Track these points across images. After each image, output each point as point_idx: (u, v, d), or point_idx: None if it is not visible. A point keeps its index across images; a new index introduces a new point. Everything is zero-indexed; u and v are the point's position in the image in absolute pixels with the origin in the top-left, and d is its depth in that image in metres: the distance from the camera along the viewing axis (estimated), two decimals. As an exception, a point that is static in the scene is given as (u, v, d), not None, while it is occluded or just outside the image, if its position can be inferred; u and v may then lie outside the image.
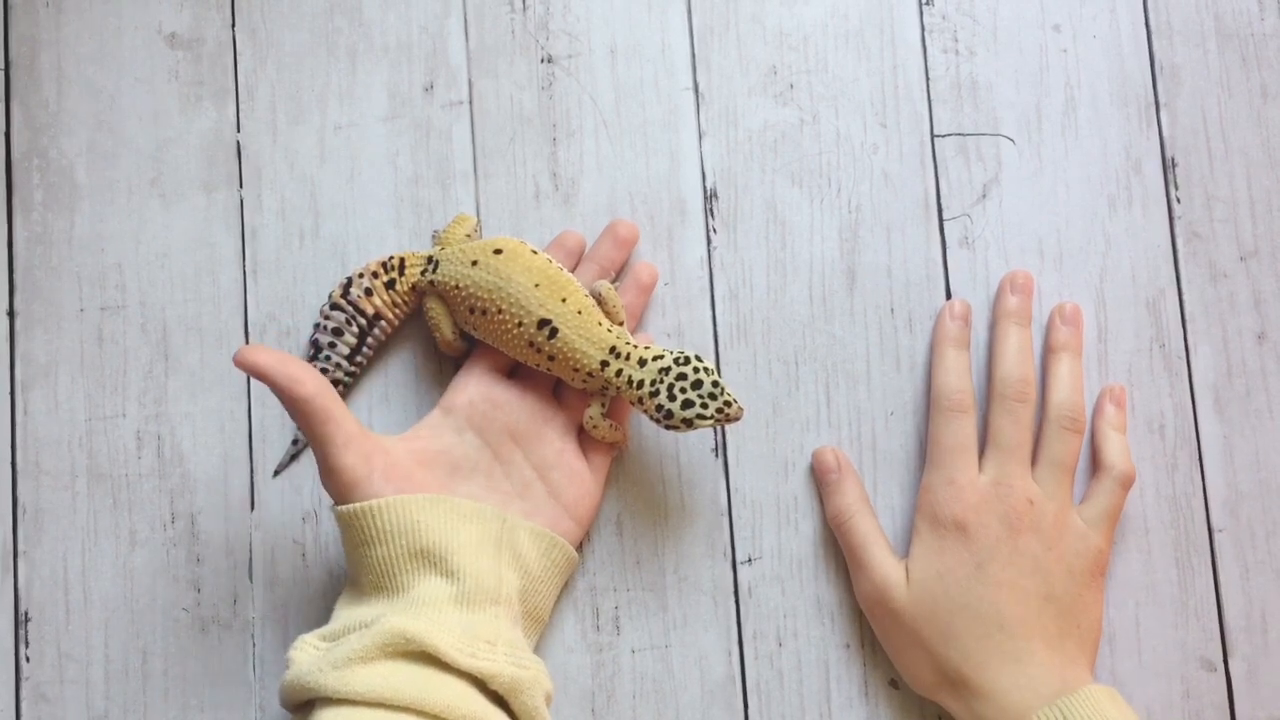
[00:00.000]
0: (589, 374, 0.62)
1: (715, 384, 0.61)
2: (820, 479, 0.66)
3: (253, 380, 0.67)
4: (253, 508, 0.67)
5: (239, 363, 0.58)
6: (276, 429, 0.67)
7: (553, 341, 0.62)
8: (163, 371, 0.68)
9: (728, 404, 0.61)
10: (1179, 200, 0.68)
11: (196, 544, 0.66)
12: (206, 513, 0.67)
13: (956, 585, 0.61)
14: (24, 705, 0.65)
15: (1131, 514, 0.66)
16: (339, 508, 0.59)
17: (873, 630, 0.64)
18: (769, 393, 0.67)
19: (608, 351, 0.62)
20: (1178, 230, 0.68)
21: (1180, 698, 0.64)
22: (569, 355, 0.62)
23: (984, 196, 0.68)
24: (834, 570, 0.65)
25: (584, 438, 0.65)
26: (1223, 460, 0.66)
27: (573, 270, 0.66)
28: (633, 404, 0.62)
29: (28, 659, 0.66)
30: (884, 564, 0.62)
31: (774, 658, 0.65)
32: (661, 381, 0.61)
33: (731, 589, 0.66)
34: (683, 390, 0.61)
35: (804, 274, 0.68)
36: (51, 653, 0.66)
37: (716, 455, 0.67)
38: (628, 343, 0.62)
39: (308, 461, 0.67)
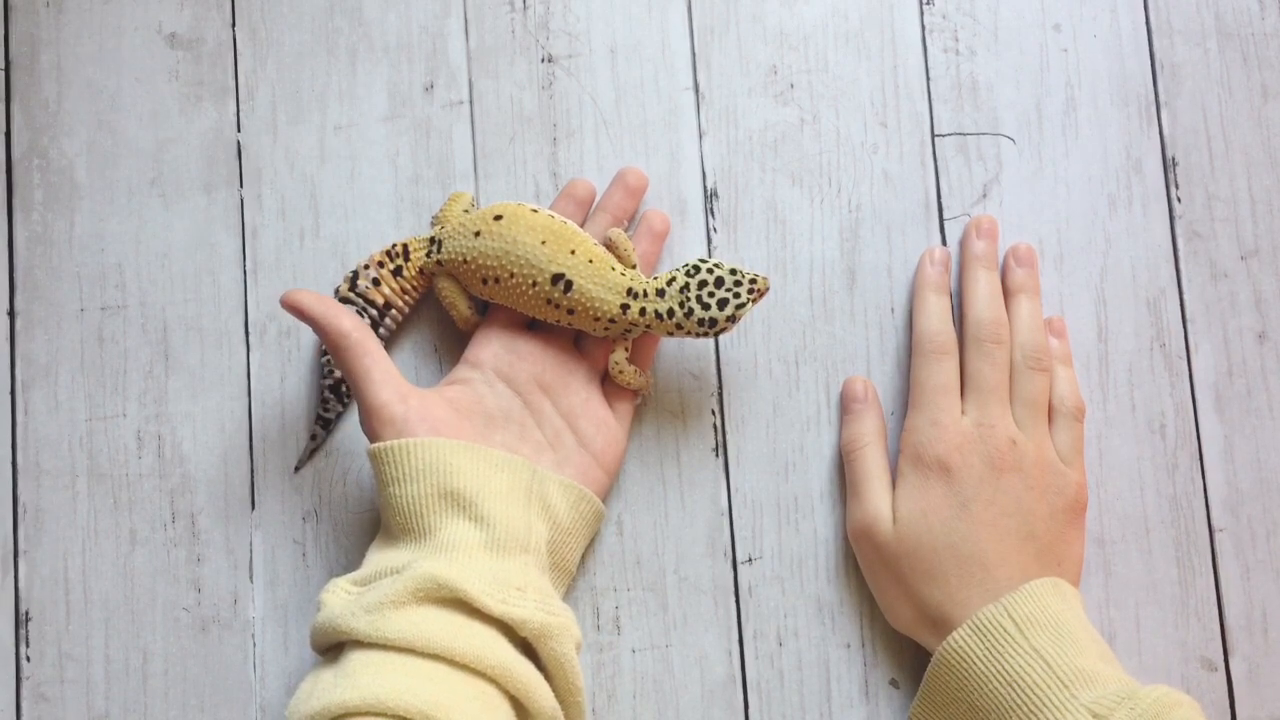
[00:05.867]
0: (610, 320, 0.63)
1: (731, 271, 0.62)
2: (844, 406, 0.66)
3: (253, 380, 0.67)
4: (253, 508, 0.67)
5: (285, 304, 0.61)
6: (276, 429, 0.67)
7: (570, 294, 0.62)
8: (163, 371, 0.68)
9: (753, 281, 0.62)
10: (1179, 200, 0.68)
11: (196, 544, 0.66)
12: (206, 513, 0.67)
13: (940, 524, 0.61)
14: (24, 705, 0.65)
15: (1131, 514, 0.66)
16: (372, 445, 0.60)
17: (875, 631, 0.65)
18: (769, 393, 0.67)
19: (625, 294, 0.62)
20: (1178, 230, 0.68)
21: (1181, 698, 0.64)
22: (588, 305, 0.62)
23: (984, 196, 0.68)
24: (834, 570, 0.65)
25: (606, 387, 0.65)
26: (1223, 460, 0.66)
27: (584, 220, 0.66)
28: (671, 334, 0.63)
29: (28, 659, 0.66)
30: (879, 499, 0.63)
31: (774, 658, 0.65)
32: (687, 299, 0.62)
33: (732, 589, 0.66)
34: (710, 294, 0.62)
35: (804, 274, 0.68)
36: (51, 653, 0.66)
37: (716, 455, 0.67)
38: (642, 281, 0.63)
39: (310, 461, 0.67)
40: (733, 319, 0.62)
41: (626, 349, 0.64)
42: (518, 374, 0.64)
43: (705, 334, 0.62)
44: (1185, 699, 0.56)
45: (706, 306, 0.62)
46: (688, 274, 0.62)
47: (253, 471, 0.67)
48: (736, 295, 0.62)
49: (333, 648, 0.58)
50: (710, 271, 0.62)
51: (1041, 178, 0.68)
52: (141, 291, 0.68)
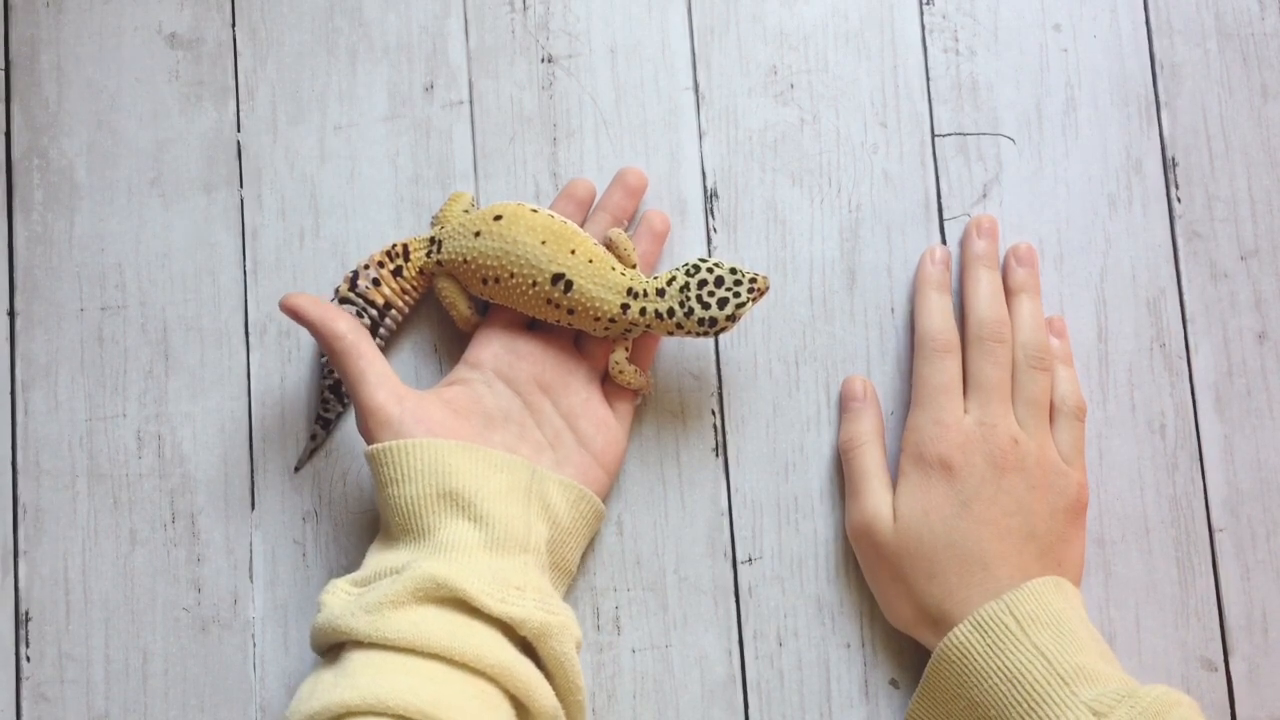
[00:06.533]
0: (611, 320, 0.63)
1: (731, 270, 0.62)
2: (843, 405, 0.66)
3: (253, 380, 0.67)
4: (253, 508, 0.67)
5: (283, 308, 0.62)
6: (276, 429, 0.67)
7: (569, 294, 0.62)
8: (163, 371, 0.68)
9: (753, 280, 0.62)
10: (1179, 200, 0.68)
11: (196, 544, 0.66)
12: (206, 513, 0.67)
13: (941, 523, 0.61)
14: (24, 705, 0.65)
15: (1131, 514, 0.66)
16: (370, 447, 0.60)
17: (875, 631, 0.65)
18: (769, 393, 0.67)
19: (625, 294, 0.62)
20: (1178, 230, 0.68)
21: (1181, 698, 0.64)
22: (588, 305, 0.62)
23: (984, 196, 0.68)
24: (834, 570, 0.65)
25: (607, 387, 0.65)
26: (1223, 460, 0.66)
27: (584, 220, 0.66)
28: (671, 334, 0.63)
29: (28, 659, 0.66)
30: (878, 497, 0.63)
31: (774, 658, 0.65)
32: (687, 298, 0.62)
33: (732, 589, 0.66)
34: (710, 294, 0.62)
35: (804, 274, 0.68)
36: (51, 653, 0.66)
37: (716, 455, 0.67)
38: (642, 281, 0.63)
39: (310, 461, 0.67)
40: (733, 318, 0.62)
41: (627, 349, 0.64)
42: (518, 374, 0.64)
43: (705, 334, 0.62)
44: (1185, 698, 0.56)
45: (706, 306, 0.62)
46: (688, 273, 0.62)
47: (253, 471, 0.67)
48: (737, 295, 0.62)
49: (333, 648, 0.58)
50: (710, 271, 0.62)
51: (1041, 178, 0.68)
52: (141, 291, 0.68)
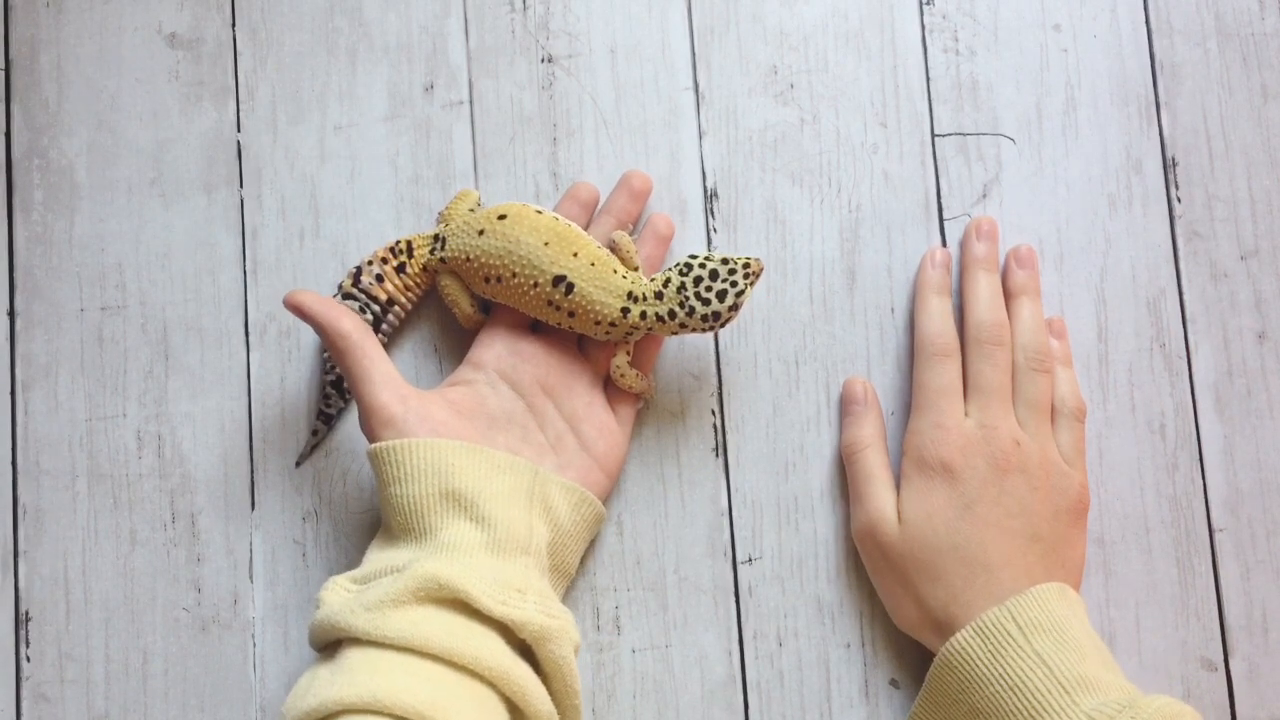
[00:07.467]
0: (611, 324, 0.63)
1: (723, 261, 0.62)
2: (844, 408, 0.66)
3: (253, 380, 0.67)
4: (253, 508, 0.67)
5: (287, 304, 0.62)
6: (276, 429, 0.67)
7: (570, 297, 0.62)
8: (163, 371, 0.68)
9: (746, 265, 0.62)
10: (1179, 200, 0.68)
11: (196, 544, 0.66)
12: (206, 513, 0.67)
13: (944, 526, 0.61)
14: (24, 705, 0.65)
15: (1131, 514, 0.66)
16: (372, 446, 0.60)
17: (875, 631, 0.65)
18: (769, 393, 0.67)
19: (626, 298, 0.62)
20: (1178, 230, 0.68)
21: (1181, 697, 0.64)
22: (589, 308, 0.62)
23: (984, 196, 0.68)
24: (834, 570, 0.65)
25: (609, 390, 0.66)
26: (1223, 460, 0.66)
27: (588, 223, 0.66)
28: (674, 334, 0.63)
29: (28, 659, 0.66)
30: (882, 500, 0.63)
31: (774, 658, 0.65)
32: (686, 298, 0.62)
33: (732, 589, 0.66)
34: (708, 288, 0.62)
35: (804, 274, 0.68)
36: (51, 653, 0.66)
37: (716, 455, 0.67)
38: (642, 284, 0.63)
39: (309, 460, 0.67)
40: (735, 307, 0.62)
41: (628, 352, 0.64)
42: (521, 376, 0.64)
43: (711, 328, 0.62)
44: (1187, 709, 0.56)
45: (707, 301, 0.62)
46: (681, 273, 0.62)
47: (253, 471, 0.67)
48: (734, 284, 0.62)
49: (330, 645, 0.58)
50: (703, 266, 0.62)
51: (1041, 178, 0.68)
52: (141, 291, 0.68)
